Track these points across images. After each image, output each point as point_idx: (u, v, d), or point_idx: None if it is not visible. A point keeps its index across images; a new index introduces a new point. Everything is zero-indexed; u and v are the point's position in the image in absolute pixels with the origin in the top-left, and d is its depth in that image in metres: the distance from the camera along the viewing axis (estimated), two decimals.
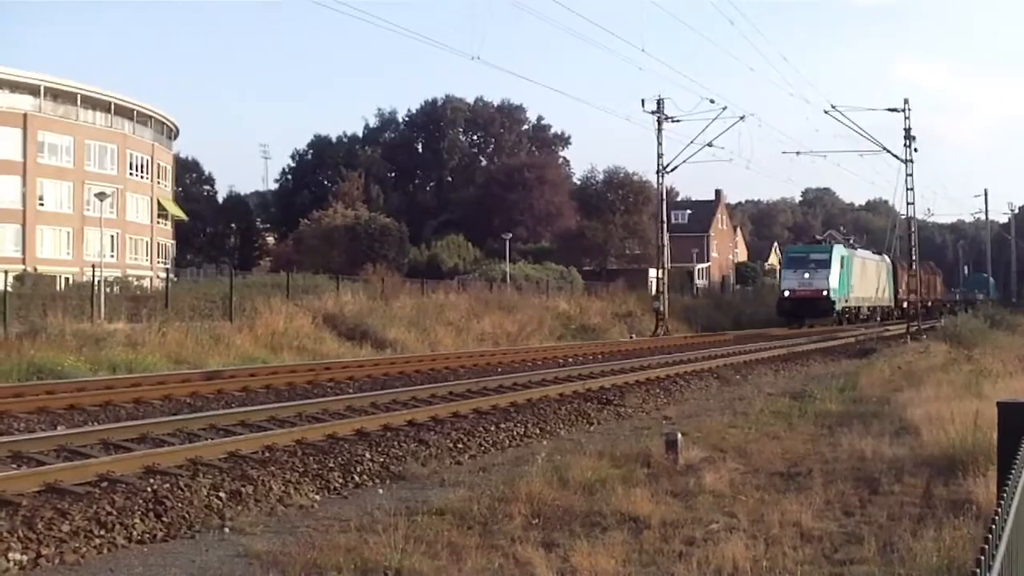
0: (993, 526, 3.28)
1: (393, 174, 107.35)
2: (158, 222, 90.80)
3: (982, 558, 2.99)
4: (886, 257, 76.34)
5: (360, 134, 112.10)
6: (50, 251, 77.43)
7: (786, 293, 61.67)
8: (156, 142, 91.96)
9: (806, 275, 60.48)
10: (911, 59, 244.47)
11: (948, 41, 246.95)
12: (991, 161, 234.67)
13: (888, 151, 52.92)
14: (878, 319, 68.35)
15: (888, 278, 74.90)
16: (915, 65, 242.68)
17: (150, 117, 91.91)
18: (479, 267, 73.58)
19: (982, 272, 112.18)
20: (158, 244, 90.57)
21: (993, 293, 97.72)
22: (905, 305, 75.98)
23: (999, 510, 3.56)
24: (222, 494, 10.78)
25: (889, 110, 51.88)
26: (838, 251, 62.77)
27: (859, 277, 66.21)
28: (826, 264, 60.56)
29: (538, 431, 16.81)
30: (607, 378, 23.85)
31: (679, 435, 13.17)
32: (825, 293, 59.63)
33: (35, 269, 65.49)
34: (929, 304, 79.21)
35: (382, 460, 13.27)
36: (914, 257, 56.87)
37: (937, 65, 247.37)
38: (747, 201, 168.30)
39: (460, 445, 14.85)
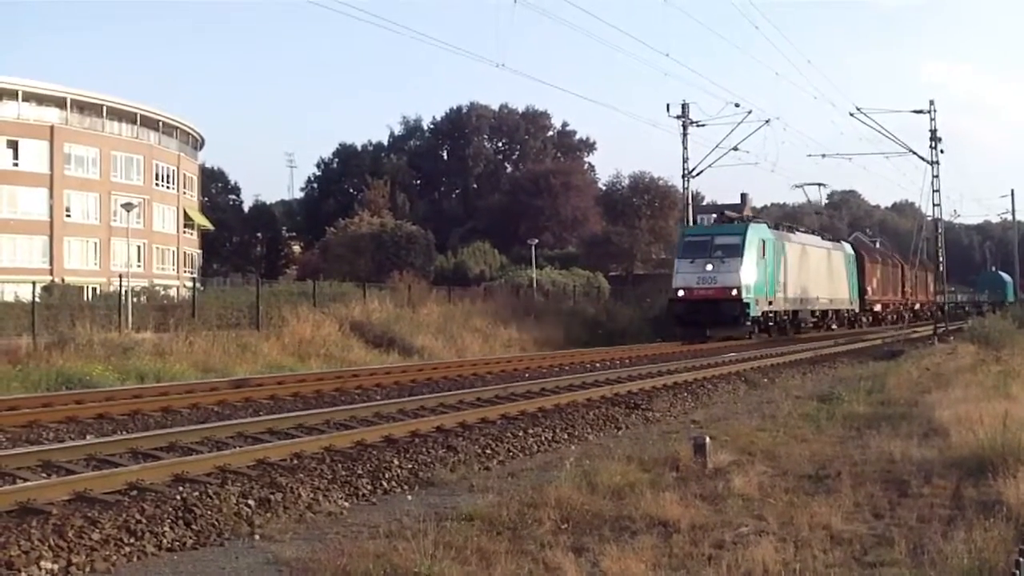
0: None
1: (418, 182, 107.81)
2: (184, 232, 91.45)
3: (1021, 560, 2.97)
4: (846, 245, 61.02)
5: (385, 142, 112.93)
6: (77, 262, 78.12)
7: (679, 293, 44.07)
8: (182, 152, 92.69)
9: (708, 267, 43.17)
10: (936, 60, 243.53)
11: (974, 41, 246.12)
12: (1018, 161, 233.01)
13: (914, 152, 52.72)
14: (833, 327, 54.63)
15: (849, 272, 57.77)
16: (941, 66, 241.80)
17: (176, 128, 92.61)
18: (505, 274, 73.66)
19: (1000, 271, 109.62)
20: (184, 254, 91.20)
21: (1011, 294, 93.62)
22: (878, 308, 64.23)
23: None
24: (251, 501, 10.78)
25: (914, 112, 51.75)
26: (756, 232, 44.91)
27: (795, 270, 48.45)
28: (736, 251, 43.02)
29: (566, 436, 16.73)
30: (634, 383, 23.75)
31: (707, 439, 13.10)
32: (734, 292, 42.35)
33: (63, 280, 65.97)
34: (916, 307, 72.49)
35: (411, 466, 13.25)
36: (941, 259, 56.46)
37: (963, 66, 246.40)
38: (773, 204, 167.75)
39: (488, 451, 14.79)
